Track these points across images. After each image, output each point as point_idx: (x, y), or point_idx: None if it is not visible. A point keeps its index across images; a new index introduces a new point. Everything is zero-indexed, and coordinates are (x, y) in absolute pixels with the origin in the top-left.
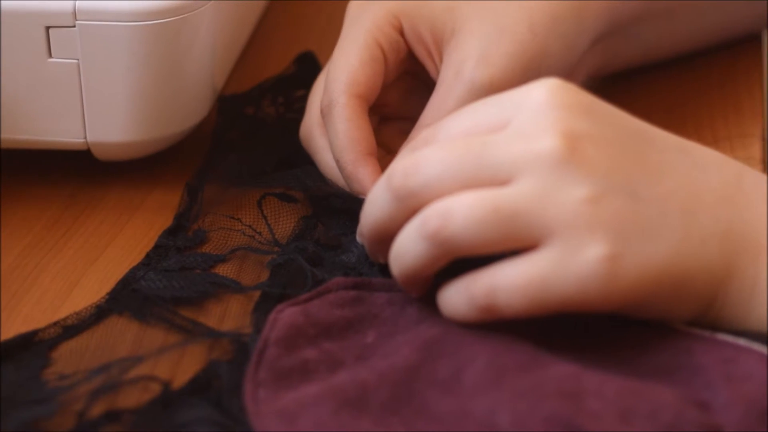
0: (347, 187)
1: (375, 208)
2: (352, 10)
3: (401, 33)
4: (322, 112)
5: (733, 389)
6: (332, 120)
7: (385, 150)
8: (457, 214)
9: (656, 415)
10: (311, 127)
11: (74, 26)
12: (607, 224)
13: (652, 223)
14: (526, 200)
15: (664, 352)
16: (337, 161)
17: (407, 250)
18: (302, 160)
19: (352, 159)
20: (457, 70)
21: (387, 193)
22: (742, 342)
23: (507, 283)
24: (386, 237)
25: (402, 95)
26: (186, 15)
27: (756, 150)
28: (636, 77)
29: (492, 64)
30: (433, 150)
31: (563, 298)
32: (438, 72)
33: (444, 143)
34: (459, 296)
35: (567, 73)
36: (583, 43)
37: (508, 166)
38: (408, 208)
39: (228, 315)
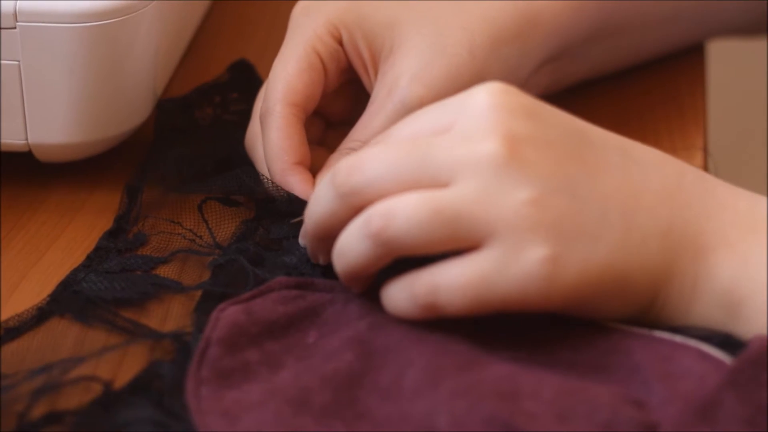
0: None
1: (318, 206)
2: (295, 17)
3: (341, 43)
4: (260, 118)
5: (669, 386)
6: (266, 128)
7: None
8: (400, 214)
9: (593, 415)
10: (254, 136)
11: (15, 27)
12: (548, 225)
13: (593, 224)
14: (467, 202)
15: (601, 351)
16: (268, 169)
17: (350, 248)
18: (240, 160)
19: (280, 168)
20: (390, 88)
21: (330, 191)
22: (678, 339)
23: (448, 282)
24: (329, 235)
25: (348, 102)
26: (127, 17)
27: (698, 161)
28: (579, 93)
29: (425, 84)
30: (377, 149)
31: (504, 298)
32: (372, 87)
33: (388, 144)
34: (401, 294)
35: None
36: (528, 66)
37: (450, 168)
38: (351, 206)
39: (169, 316)
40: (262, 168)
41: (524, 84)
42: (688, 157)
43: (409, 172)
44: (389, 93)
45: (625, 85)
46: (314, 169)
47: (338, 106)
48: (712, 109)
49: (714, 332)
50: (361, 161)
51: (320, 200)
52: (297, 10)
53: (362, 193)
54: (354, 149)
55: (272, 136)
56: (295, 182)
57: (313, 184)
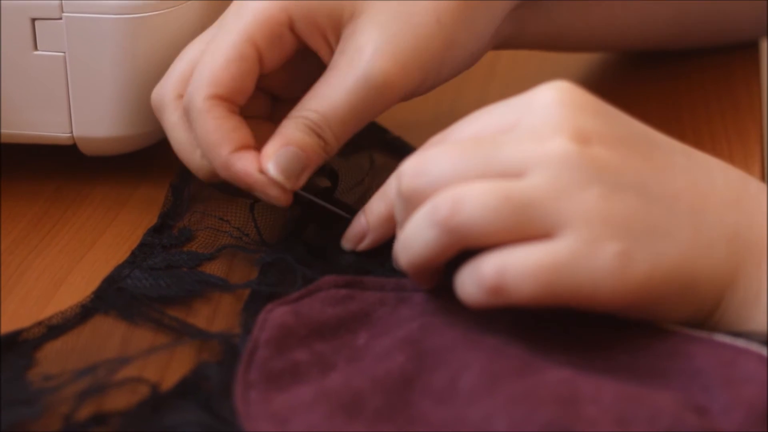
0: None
1: (381, 207)
2: None
3: (290, 27)
4: (184, 108)
5: (732, 393)
6: (193, 124)
7: None
8: (469, 201)
9: (654, 421)
10: (164, 97)
11: (61, 18)
12: (620, 221)
13: (663, 222)
14: (539, 191)
15: (661, 354)
16: (211, 162)
17: (416, 237)
18: None
19: (221, 162)
20: (351, 58)
21: (397, 196)
22: (740, 343)
23: (518, 264)
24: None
25: (293, 77)
26: (173, 8)
27: (756, 156)
28: (632, 88)
29: (390, 58)
30: (440, 149)
31: (574, 289)
32: (330, 54)
33: (453, 143)
34: (469, 278)
35: (470, 62)
36: (493, 28)
37: (519, 163)
38: (416, 207)
39: (217, 315)
40: (171, 135)
41: (487, 44)
42: (744, 151)
43: (476, 169)
44: (350, 64)
45: (676, 79)
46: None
47: (283, 81)
48: None
49: None
50: (424, 163)
51: (383, 203)
52: None
53: (428, 192)
54: (310, 119)
55: (200, 133)
56: (241, 168)
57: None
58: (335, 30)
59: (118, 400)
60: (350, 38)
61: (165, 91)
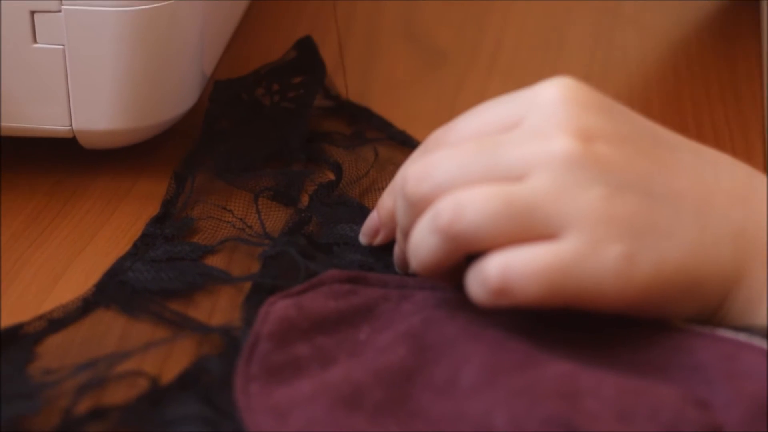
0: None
1: (389, 214)
2: None
3: None
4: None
5: (734, 387)
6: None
7: None
8: (470, 207)
9: (656, 415)
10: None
11: (60, 11)
12: (623, 222)
13: (667, 222)
14: (540, 195)
15: (662, 349)
16: None
17: (421, 243)
18: (293, 154)
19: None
20: None
21: (401, 200)
22: (742, 338)
23: (522, 265)
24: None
25: None
26: (173, 0)
27: (758, 147)
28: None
29: None
30: (443, 153)
31: (578, 289)
32: None
33: (455, 146)
34: (474, 278)
35: None
36: None
37: (521, 164)
38: (422, 211)
39: (217, 307)
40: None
41: None
42: (746, 144)
43: (478, 171)
44: None
45: (678, 71)
46: None
47: None
48: None
49: None
50: (428, 167)
51: (391, 209)
52: None
53: (431, 197)
54: None
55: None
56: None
57: None
58: None
59: (118, 394)
60: None
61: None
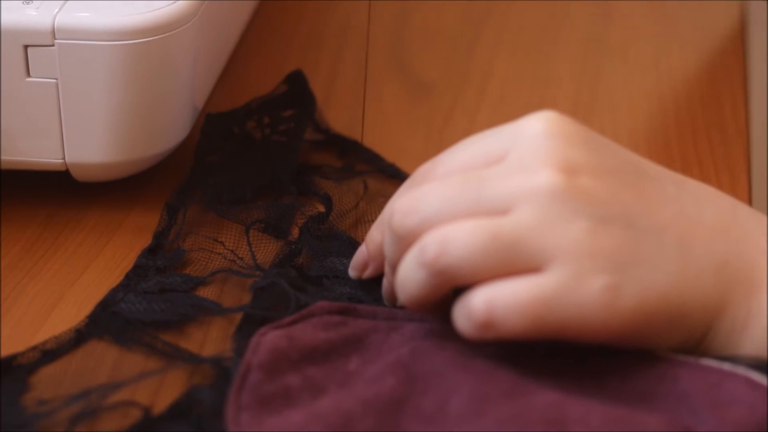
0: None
1: (377, 248)
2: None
3: None
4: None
5: (718, 415)
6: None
7: None
8: (455, 241)
9: None
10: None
11: (53, 45)
12: (607, 254)
13: (650, 254)
14: (525, 228)
15: (648, 378)
16: None
17: (408, 278)
18: (284, 187)
19: None
20: None
21: (388, 234)
22: (726, 367)
23: (507, 299)
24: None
25: None
26: (167, 34)
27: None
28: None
29: None
30: (429, 187)
31: (563, 322)
32: None
33: (441, 180)
34: (460, 311)
35: None
36: None
37: (506, 198)
38: (409, 246)
39: (209, 338)
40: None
41: None
42: (732, 178)
43: (464, 206)
44: None
45: (665, 105)
46: None
47: None
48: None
49: (762, 360)
50: (414, 201)
51: (379, 243)
52: None
53: (418, 231)
54: None
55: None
56: None
57: None
58: None
59: (110, 424)
60: None
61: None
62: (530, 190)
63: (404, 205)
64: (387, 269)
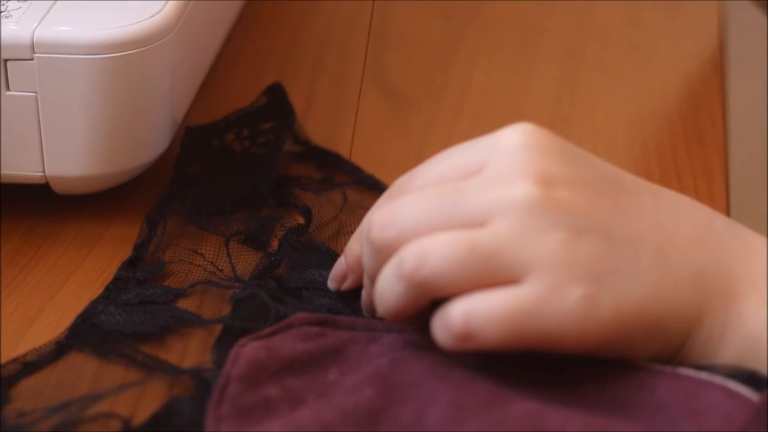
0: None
1: (355, 260)
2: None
3: None
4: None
5: (695, 423)
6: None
7: None
8: (432, 254)
9: None
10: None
11: (32, 59)
12: (583, 265)
13: (627, 265)
14: (502, 240)
15: (625, 388)
16: None
17: (386, 290)
18: (263, 199)
19: None
20: None
21: (366, 246)
22: (703, 376)
23: (484, 311)
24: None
25: None
26: (147, 47)
27: (720, 192)
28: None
29: None
30: (407, 199)
31: (540, 333)
32: None
33: (418, 192)
34: (438, 323)
35: None
36: None
37: (483, 211)
38: (387, 258)
39: (188, 350)
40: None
41: None
42: (710, 189)
43: (441, 219)
44: None
45: (643, 116)
46: None
47: None
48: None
49: (739, 369)
50: (392, 214)
51: (357, 255)
52: None
53: (396, 244)
54: None
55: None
56: None
57: None
58: None
59: None
60: None
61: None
62: (507, 202)
63: (382, 217)
64: (366, 281)
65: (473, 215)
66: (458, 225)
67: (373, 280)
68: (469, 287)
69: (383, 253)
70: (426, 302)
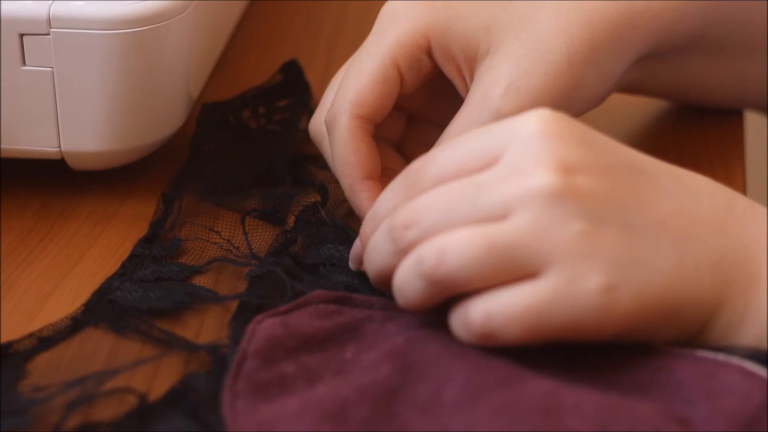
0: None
1: (378, 257)
2: (382, 18)
3: (428, 52)
4: (326, 124)
5: (713, 404)
6: (332, 139)
7: (415, 151)
8: (452, 252)
9: (636, 431)
10: (321, 127)
11: (49, 34)
12: (603, 255)
13: (647, 253)
14: (521, 234)
15: (643, 370)
16: (338, 177)
17: (407, 287)
18: (279, 176)
19: (348, 183)
20: (484, 94)
21: (389, 244)
22: (721, 357)
23: (504, 310)
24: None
25: (431, 97)
26: (162, 23)
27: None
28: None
29: (521, 96)
30: (428, 198)
31: (561, 327)
32: (467, 90)
33: (438, 191)
34: (458, 322)
35: (595, 103)
36: (620, 71)
37: (502, 205)
38: (406, 254)
39: (204, 326)
40: (328, 162)
41: (613, 87)
42: (726, 165)
43: (462, 216)
44: (483, 99)
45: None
46: (391, 172)
47: (421, 101)
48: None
49: (757, 350)
50: (414, 214)
51: (379, 252)
52: (384, 11)
53: (417, 243)
54: None
55: (339, 151)
56: (362, 199)
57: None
58: (469, 63)
59: (106, 411)
60: (484, 74)
61: (321, 120)
62: (526, 194)
63: (404, 218)
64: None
65: (493, 209)
66: (479, 220)
67: (390, 271)
68: (489, 283)
69: (404, 252)
70: (445, 298)
